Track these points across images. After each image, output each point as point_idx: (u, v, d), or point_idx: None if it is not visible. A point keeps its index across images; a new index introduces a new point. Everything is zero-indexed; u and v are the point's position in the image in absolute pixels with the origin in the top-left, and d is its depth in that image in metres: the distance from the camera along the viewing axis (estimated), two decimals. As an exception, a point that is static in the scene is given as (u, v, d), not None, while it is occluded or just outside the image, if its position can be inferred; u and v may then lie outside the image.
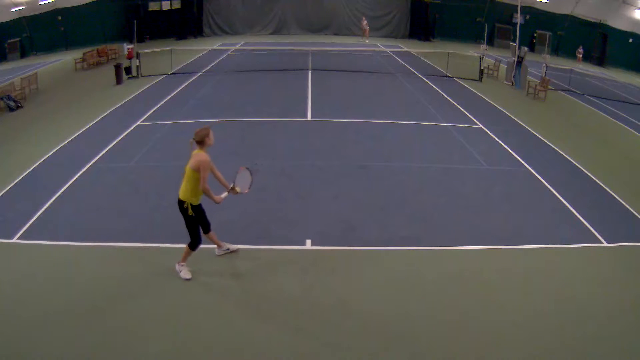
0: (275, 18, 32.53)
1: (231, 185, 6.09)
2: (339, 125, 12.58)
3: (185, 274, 6.09)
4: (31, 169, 9.46)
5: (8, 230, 7.14)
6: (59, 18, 26.42)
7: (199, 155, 5.74)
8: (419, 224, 7.75)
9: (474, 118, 13.56)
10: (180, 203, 5.89)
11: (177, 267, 6.15)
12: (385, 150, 10.81)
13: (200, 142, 5.80)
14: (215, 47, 25.68)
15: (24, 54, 25.40)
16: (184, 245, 6.14)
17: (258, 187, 8.64)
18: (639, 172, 10.68)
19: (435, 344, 5.15)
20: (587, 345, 5.21)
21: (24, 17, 24.81)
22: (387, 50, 25.65)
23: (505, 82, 19.52)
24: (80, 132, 11.66)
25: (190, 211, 5.84)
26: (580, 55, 29.67)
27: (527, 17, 29.67)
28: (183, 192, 5.86)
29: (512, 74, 19.00)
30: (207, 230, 6.23)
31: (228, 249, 6.60)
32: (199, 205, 5.97)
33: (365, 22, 30.06)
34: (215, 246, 6.57)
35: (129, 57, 18.59)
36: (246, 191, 6.21)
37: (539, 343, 5.17)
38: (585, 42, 29.99)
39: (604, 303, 5.94)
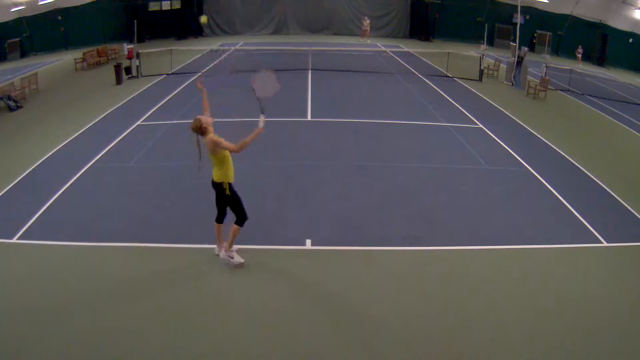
0: (275, 18, 32.52)
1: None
2: (339, 125, 12.57)
3: (238, 258, 6.25)
4: (31, 169, 9.46)
5: (8, 230, 7.14)
6: (59, 18, 26.43)
7: (206, 140, 5.81)
8: (418, 224, 7.75)
9: (474, 118, 13.56)
10: (218, 186, 5.99)
11: (226, 254, 6.25)
12: (385, 150, 10.81)
13: (204, 130, 5.84)
14: (215, 47, 25.66)
15: (24, 54, 25.40)
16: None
17: (258, 187, 8.69)
18: (639, 172, 10.68)
19: (435, 344, 5.15)
20: (587, 345, 5.21)
21: (24, 17, 24.81)
22: (387, 50, 25.64)
23: (505, 82, 19.52)
24: (80, 132, 11.66)
25: (227, 191, 5.95)
26: (580, 55, 29.68)
27: (527, 17, 29.66)
28: (217, 175, 5.95)
29: (512, 74, 18.99)
30: (220, 219, 6.30)
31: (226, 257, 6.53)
32: (232, 186, 6.06)
33: (367, 22, 29.92)
34: (215, 245, 6.56)
35: (129, 57, 18.59)
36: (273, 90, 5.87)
37: (539, 343, 5.17)
38: (585, 42, 30.00)
39: (603, 303, 5.94)
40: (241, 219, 6.15)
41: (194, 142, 5.91)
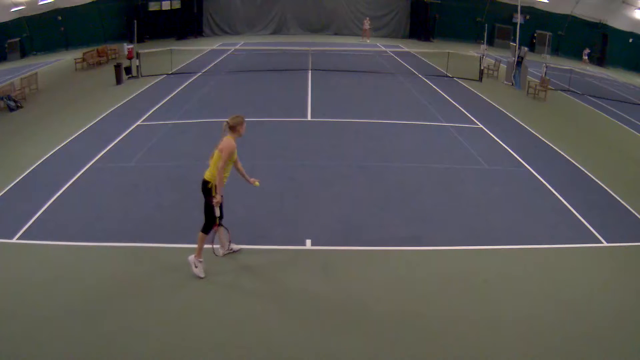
0: (275, 18, 32.52)
1: (252, 180, 6.32)
2: (339, 125, 12.57)
3: (199, 271, 6.04)
4: (31, 169, 9.46)
5: (8, 230, 7.14)
6: (59, 18, 26.44)
7: (226, 139, 5.87)
8: (418, 224, 7.75)
9: (474, 118, 13.56)
10: (205, 183, 5.94)
11: (193, 260, 6.08)
12: (385, 150, 10.81)
13: (232, 128, 5.93)
14: (215, 47, 25.67)
15: (24, 54, 25.41)
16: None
17: (258, 187, 8.66)
18: (638, 172, 10.68)
19: (435, 344, 5.15)
20: (587, 345, 5.21)
21: (24, 17, 24.83)
22: (387, 50, 25.64)
23: (505, 82, 19.52)
24: (80, 132, 11.66)
25: (214, 192, 5.86)
26: (587, 57, 29.71)
27: (527, 17, 29.67)
28: (209, 173, 5.92)
29: (512, 74, 19.00)
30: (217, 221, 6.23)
31: (231, 249, 6.59)
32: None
33: (368, 22, 29.87)
34: (217, 246, 6.55)
35: (129, 57, 18.60)
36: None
37: (539, 343, 5.17)
38: (585, 42, 30.03)
39: (603, 303, 5.94)
40: (208, 227, 6.03)
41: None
